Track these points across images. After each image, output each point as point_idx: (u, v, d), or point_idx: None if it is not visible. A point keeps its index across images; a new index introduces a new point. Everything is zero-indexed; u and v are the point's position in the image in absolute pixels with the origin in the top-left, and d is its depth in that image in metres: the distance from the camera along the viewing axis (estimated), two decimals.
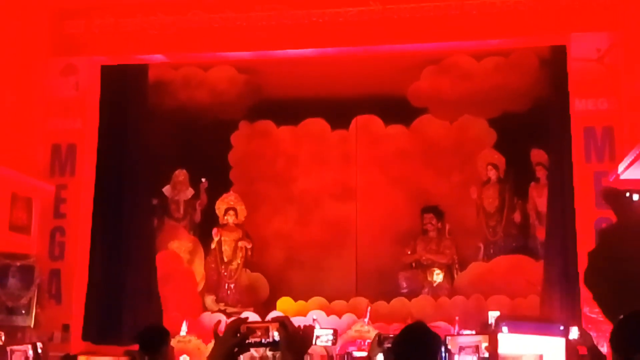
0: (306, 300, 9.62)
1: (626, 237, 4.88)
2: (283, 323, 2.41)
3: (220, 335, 2.42)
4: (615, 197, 5.39)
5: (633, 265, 4.68)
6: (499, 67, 9.85)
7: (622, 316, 2.83)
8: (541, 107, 9.07)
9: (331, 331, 8.01)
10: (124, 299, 8.37)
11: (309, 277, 10.18)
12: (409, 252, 10.07)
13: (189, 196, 10.41)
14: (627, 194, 5.18)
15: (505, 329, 4.58)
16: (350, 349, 8.29)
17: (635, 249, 4.77)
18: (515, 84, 9.71)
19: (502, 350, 4.35)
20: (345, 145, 10.68)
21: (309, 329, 2.50)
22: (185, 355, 8.24)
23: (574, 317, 7.30)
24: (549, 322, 6.60)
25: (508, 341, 4.58)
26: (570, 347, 4.87)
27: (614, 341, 2.78)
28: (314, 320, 8.35)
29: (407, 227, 10.26)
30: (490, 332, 5.63)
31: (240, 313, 9.16)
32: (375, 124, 10.67)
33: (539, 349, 4.55)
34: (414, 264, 10.02)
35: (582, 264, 6.82)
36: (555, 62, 8.39)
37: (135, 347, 4.54)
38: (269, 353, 7.30)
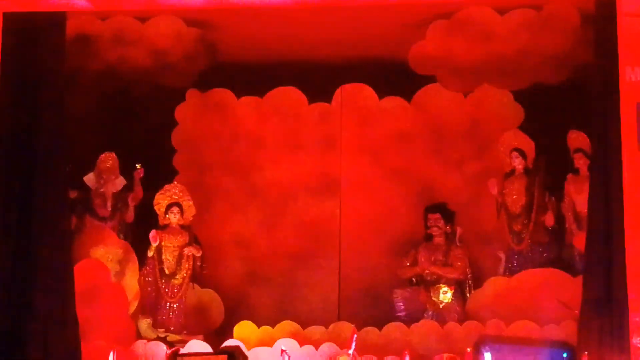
0: (273, 326, 9.63)
1: None
2: (233, 355, 2.40)
3: None
4: None
5: None
6: (529, 24, 9.83)
7: None
8: (582, 78, 9.16)
9: None
10: (31, 324, 8.28)
11: (276, 296, 10.30)
12: (408, 264, 10.14)
13: (119, 187, 10.38)
14: None
15: (487, 355, 4.53)
16: None
17: None
18: (549, 47, 9.74)
19: None
20: (327, 123, 10.74)
21: None
22: None
23: (621, 348, 7.40)
24: (548, 347, 6.50)
25: None
26: None
27: None
28: (282, 352, 8.36)
29: (406, 231, 10.36)
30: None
31: (185, 342, 9.18)
32: (366, 96, 10.74)
33: None
34: (414, 280, 10.09)
35: (633, 279, 6.84)
36: (601, 18, 8.39)
37: None
38: None
